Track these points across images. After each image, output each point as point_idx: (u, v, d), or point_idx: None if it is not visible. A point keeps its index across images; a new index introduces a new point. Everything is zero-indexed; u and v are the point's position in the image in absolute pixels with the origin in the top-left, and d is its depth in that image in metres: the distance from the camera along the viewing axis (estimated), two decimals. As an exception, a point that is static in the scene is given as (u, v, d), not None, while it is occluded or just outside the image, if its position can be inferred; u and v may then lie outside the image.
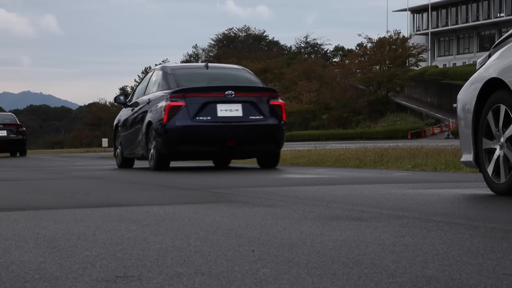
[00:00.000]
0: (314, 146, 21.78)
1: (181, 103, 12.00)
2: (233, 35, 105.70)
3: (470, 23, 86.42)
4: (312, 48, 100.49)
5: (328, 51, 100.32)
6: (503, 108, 5.51)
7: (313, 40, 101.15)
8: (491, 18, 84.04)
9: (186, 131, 11.94)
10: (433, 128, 61.10)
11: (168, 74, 12.83)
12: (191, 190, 6.95)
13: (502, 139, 5.57)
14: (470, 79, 6.08)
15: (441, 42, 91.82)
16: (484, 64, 5.97)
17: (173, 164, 14.30)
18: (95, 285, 2.35)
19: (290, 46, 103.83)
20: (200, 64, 14.05)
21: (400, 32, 69.96)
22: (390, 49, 68.33)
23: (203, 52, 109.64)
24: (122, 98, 14.44)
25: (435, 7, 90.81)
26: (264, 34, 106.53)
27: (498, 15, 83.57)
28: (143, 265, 2.69)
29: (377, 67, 69.26)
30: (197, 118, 11.99)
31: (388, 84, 68.39)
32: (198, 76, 13.03)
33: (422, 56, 73.35)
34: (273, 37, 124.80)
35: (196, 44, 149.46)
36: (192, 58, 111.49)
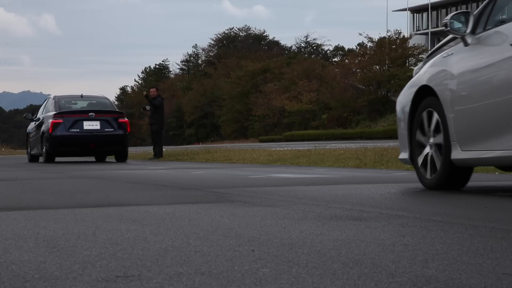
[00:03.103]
0: (314, 146, 21.77)
1: (60, 120, 19.20)
2: (233, 34, 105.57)
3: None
4: (312, 48, 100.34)
5: (328, 51, 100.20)
6: (435, 115, 6.21)
7: (313, 40, 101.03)
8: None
9: (63, 138, 19.09)
10: (433, 128, 61.02)
11: (55, 101, 20.22)
12: (191, 190, 6.95)
13: (431, 141, 6.30)
14: (408, 83, 6.83)
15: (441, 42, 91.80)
16: (420, 71, 6.69)
17: (70, 160, 21.66)
18: (95, 284, 2.35)
19: (291, 46, 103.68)
20: (77, 94, 21.29)
21: (400, 32, 69.93)
22: (391, 49, 68.28)
23: (203, 52, 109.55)
24: (30, 115, 22.16)
25: (435, 7, 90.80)
26: (265, 34, 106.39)
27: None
28: (143, 264, 2.69)
29: (377, 66, 69.19)
30: (71, 130, 19.19)
31: (388, 84, 68.34)
32: (74, 103, 20.57)
33: (422, 57, 73.31)
34: (274, 37, 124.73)
35: (196, 44, 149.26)
36: (192, 58, 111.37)
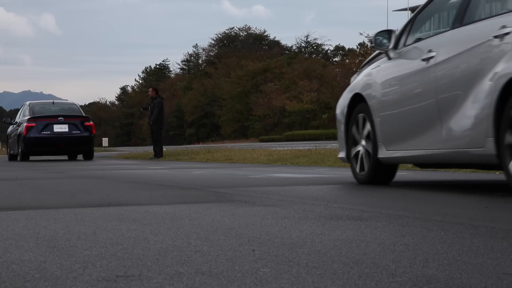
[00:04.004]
0: (315, 145, 21.77)
1: (33, 124, 22.11)
2: (233, 34, 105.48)
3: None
4: (312, 48, 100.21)
5: (328, 51, 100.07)
6: (368, 123, 7.02)
7: (313, 39, 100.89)
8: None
9: (36, 139, 21.95)
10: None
11: (30, 107, 23.28)
12: (191, 190, 6.95)
13: (363, 142, 7.14)
14: (346, 89, 7.60)
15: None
16: (355, 79, 7.51)
17: (45, 158, 24.87)
18: (96, 284, 2.35)
19: (291, 46, 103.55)
20: (49, 101, 25.18)
21: (401, 32, 69.85)
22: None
23: (204, 52, 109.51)
24: (9, 119, 25.18)
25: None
26: (265, 34, 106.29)
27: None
28: (143, 264, 2.69)
29: (378, 66, 69.15)
30: (42, 132, 22.05)
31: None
32: (47, 109, 23.50)
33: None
34: (274, 37, 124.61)
35: (196, 44, 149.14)
36: (192, 58, 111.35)
